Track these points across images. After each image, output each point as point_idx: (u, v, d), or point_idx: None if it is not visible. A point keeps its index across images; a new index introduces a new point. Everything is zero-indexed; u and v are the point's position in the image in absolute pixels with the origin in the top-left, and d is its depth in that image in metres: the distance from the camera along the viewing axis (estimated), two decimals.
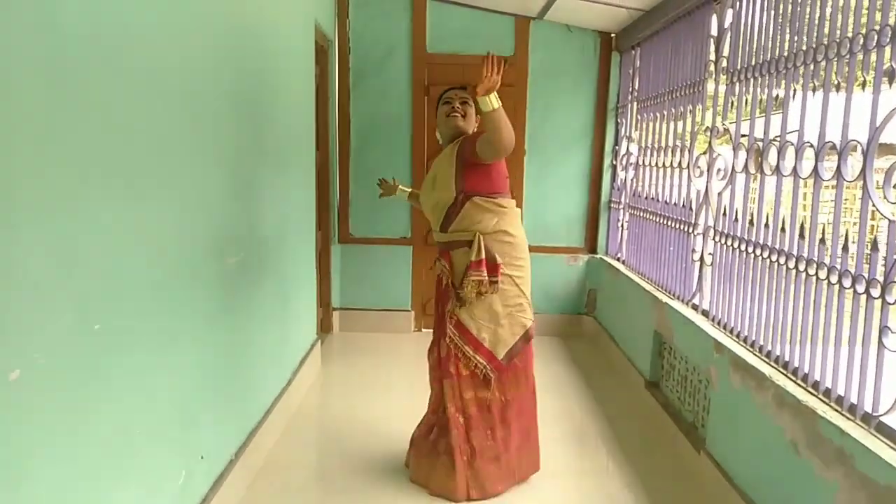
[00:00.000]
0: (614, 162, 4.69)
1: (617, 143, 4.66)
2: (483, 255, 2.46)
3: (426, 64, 4.60)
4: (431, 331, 2.74)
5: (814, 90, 2.20)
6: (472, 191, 2.48)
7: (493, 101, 2.21)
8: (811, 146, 2.13)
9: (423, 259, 4.73)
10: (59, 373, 1.37)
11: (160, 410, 1.86)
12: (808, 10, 2.23)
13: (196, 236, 2.08)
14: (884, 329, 1.75)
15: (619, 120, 4.64)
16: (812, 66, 2.20)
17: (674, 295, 3.40)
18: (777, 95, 2.43)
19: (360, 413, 3.36)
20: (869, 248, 1.82)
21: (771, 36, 2.50)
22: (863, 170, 1.86)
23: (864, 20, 1.95)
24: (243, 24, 2.50)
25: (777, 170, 2.35)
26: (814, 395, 2.06)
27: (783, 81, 2.39)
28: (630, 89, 4.41)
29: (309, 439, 3.12)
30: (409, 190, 3.08)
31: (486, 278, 2.46)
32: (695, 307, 3.13)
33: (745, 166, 2.61)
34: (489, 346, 2.53)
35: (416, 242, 4.79)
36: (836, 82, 2.07)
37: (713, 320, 2.90)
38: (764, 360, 2.39)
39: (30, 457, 1.29)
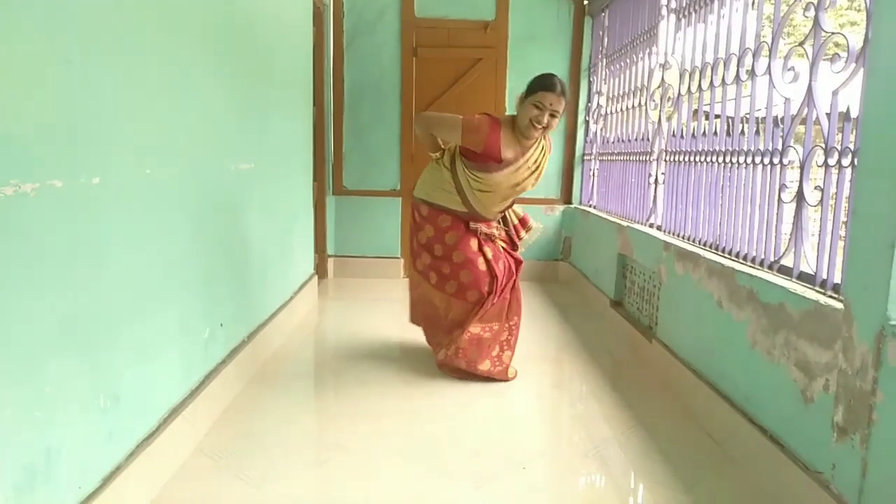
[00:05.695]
0: (587, 118, 5.10)
1: (589, 99, 5.08)
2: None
3: (414, 27, 4.99)
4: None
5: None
6: None
7: None
8: (735, 55, 2.55)
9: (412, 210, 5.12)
10: (127, 190, 1.76)
11: (190, 266, 2.24)
12: None
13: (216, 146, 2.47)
14: (782, 186, 2.16)
15: (591, 78, 5.05)
16: None
17: (634, 219, 3.81)
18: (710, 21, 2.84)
19: (355, 327, 3.75)
20: (772, 126, 2.23)
21: None
22: (768, 66, 2.27)
23: None
24: None
25: (711, 84, 2.76)
26: (734, 260, 2.47)
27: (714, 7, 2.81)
28: (600, 48, 4.83)
29: (308, 341, 3.51)
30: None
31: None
32: (651, 225, 3.53)
33: (689, 88, 3.03)
34: None
35: (405, 195, 5.18)
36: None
37: (663, 230, 3.31)
38: (699, 247, 2.80)
39: (111, 243, 1.67)
